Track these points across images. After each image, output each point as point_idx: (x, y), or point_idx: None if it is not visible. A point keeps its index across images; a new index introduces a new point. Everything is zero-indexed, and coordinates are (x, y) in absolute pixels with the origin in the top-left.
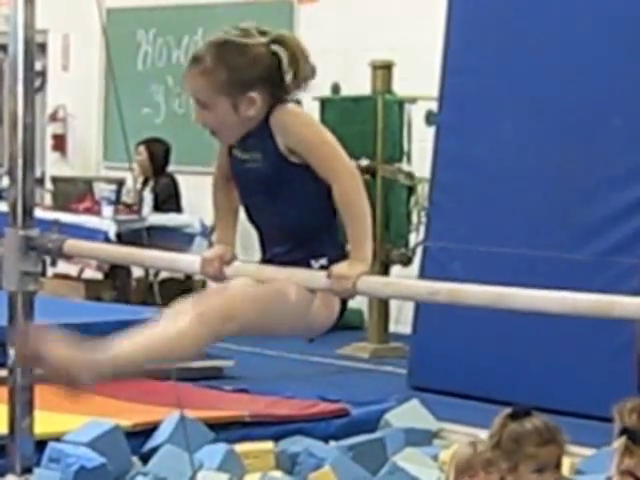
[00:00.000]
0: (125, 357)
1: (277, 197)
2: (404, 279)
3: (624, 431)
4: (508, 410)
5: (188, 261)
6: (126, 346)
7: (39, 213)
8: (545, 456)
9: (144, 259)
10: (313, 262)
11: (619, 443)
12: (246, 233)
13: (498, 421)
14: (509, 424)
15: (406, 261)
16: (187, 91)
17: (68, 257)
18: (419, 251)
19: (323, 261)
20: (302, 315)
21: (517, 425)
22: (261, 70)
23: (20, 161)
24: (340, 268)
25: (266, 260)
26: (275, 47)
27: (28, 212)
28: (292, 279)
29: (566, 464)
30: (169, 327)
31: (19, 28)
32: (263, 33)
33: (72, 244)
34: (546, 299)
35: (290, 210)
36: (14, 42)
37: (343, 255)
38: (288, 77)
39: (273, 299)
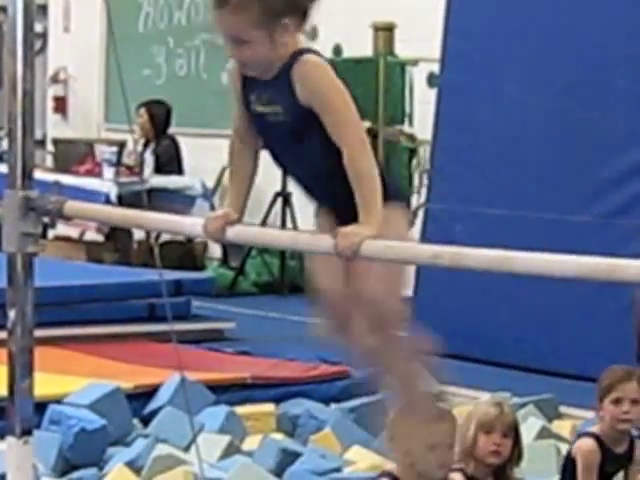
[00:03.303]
0: None
1: (304, 147)
2: (407, 242)
3: None
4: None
5: (189, 224)
6: None
7: (40, 175)
8: (436, 434)
9: (144, 221)
10: None
11: None
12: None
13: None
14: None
15: None
16: (220, 31)
17: (68, 219)
18: (421, 213)
19: None
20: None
21: None
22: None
23: (19, 122)
24: (346, 229)
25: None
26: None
27: (27, 173)
28: (295, 240)
29: (567, 426)
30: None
31: None
32: None
33: (72, 205)
34: (550, 262)
35: (321, 158)
36: (13, 3)
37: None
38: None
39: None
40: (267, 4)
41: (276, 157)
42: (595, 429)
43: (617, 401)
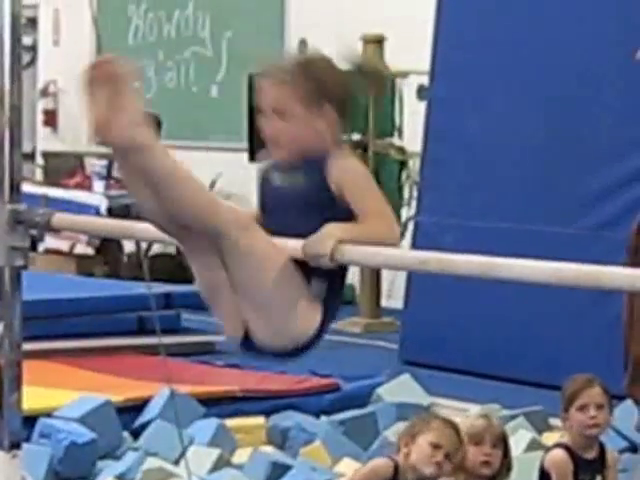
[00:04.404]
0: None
1: (301, 219)
2: (393, 249)
3: None
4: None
5: None
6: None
7: (30, 188)
8: (445, 436)
9: (132, 232)
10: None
11: None
12: (235, 203)
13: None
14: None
15: None
16: (261, 99)
17: (56, 231)
18: (411, 225)
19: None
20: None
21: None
22: (344, 92)
23: (7, 136)
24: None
25: None
26: (359, 78)
27: (15, 187)
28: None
29: (556, 438)
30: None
31: (5, 2)
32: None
33: (60, 218)
34: (534, 269)
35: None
36: (0, 17)
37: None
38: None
39: None
40: (316, 84)
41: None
42: (564, 439)
43: (583, 408)
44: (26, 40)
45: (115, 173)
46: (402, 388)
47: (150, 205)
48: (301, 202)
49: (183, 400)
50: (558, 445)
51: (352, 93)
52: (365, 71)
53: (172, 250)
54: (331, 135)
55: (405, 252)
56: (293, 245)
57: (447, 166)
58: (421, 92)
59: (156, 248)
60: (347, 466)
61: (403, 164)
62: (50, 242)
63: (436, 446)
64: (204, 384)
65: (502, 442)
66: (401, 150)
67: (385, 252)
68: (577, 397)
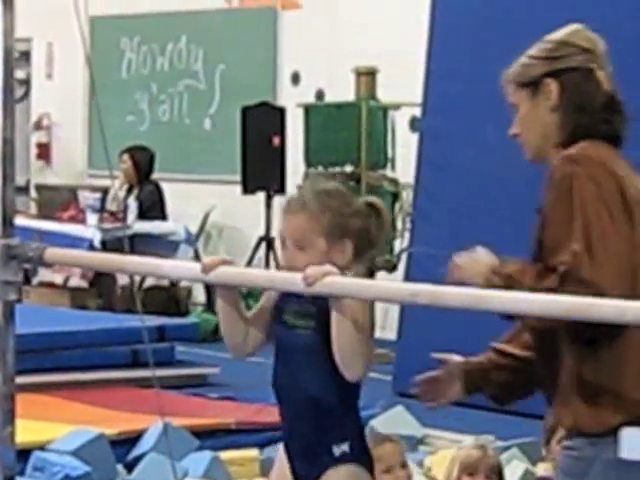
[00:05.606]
0: None
1: (311, 366)
2: (384, 281)
3: None
4: None
5: (169, 266)
6: None
7: (24, 222)
8: (387, 454)
9: (124, 266)
10: (335, 448)
11: None
12: (229, 236)
13: None
14: None
15: (391, 267)
16: (284, 232)
17: (49, 265)
18: (404, 257)
19: (345, 447)
20: None
21: None
22: (360, 223)
23: (0, 169)
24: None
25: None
26: (370, 210)
27: (8, 221)
28: (273, 283)
29: (551, 469)
30: None
31: None
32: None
33: (53, 252)
34: (524, 301)
35: (318, 381)
36: None
37: (362, 438)
38: (375, 242)
39: None
40: (340, 220)
41: (275, 374)
42: (548, 473)
43: (563, 440)
44: (19, 74)
45: (108, 206)
46: (396, 420)
47: None
48: (309, 350)
49: (177, 433)
50: (543, 479)
51: (369, 229)
52: (377, 207)
53: (165, 283)
54: (345, 267)
55: (396, 284)
56: None
57: (440, 197)
58: (414, 124)
59: (149, 281)
60: None
61: (396, 196)
62: (44, 275)
63: (388, 469)
64: (198, 417)
65: (496, 473)
66: (394, 182)
67: (375, 284)
68: (557, 430)
